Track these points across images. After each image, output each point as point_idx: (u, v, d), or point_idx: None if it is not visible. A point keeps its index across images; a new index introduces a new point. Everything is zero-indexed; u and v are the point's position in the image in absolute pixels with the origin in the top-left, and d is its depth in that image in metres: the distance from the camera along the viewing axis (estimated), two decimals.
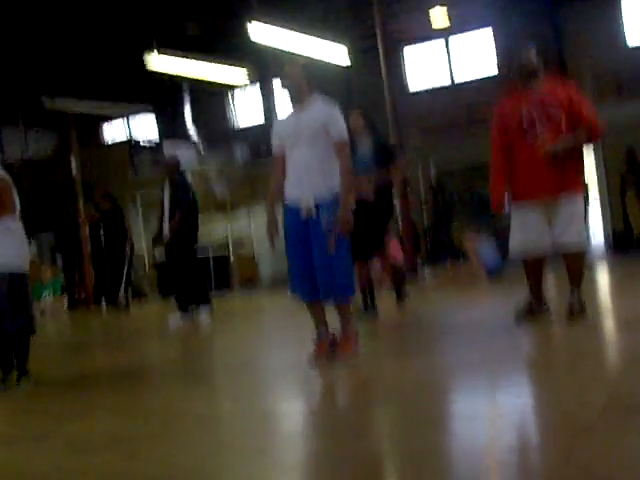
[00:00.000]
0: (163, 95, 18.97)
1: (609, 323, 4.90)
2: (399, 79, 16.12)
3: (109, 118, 19.72)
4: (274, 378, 4.19)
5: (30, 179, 16.15)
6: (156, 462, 2.53)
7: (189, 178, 14.16)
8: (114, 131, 21.93)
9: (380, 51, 10.56)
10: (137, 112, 18.24)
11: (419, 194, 14.34)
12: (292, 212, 4.04)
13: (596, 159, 12.78)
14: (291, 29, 12.01)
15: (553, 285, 6.73)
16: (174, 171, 7.78)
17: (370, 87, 12.91)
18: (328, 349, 4.06)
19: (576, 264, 4.66)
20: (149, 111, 18.41)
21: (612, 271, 8.83)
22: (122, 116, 19.89)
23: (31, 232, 5.45)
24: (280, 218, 4.19)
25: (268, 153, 4.25)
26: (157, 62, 12.37)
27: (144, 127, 21.17)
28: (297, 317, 5.07)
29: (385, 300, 7.17)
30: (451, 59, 17.64)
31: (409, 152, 11.83)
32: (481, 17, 16.30)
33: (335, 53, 13.33)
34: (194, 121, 19.86)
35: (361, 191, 5.74)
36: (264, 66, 16.60)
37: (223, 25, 15.14)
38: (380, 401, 3.23)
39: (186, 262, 7.58)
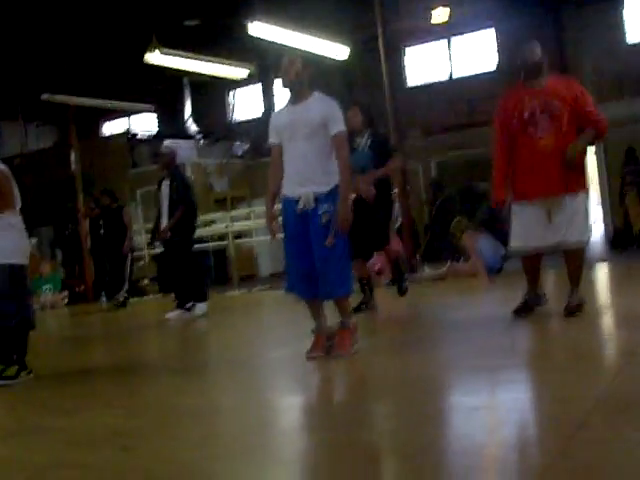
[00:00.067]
0: (164, 91, 18.95)
1: (607, 320, 4.91)
2: (399, 78, 16.11)
3: (109, 113, 19.70)
4: (272, 372, 4.20)
5: (30, 173, 16.16)
6: (154, 456, 2.54)
7: (188, 172, 14.21)
8: (114, 125, 21.91)
9: (381, 51, 10.54)
10: (138, 109, 18.20)
11: (419, 192, 14.33)
12: (290, 206, 4.03)
13: (597, 158, 12.77)
14: (292, 28, 11.98)
15: (553, 282, 6.74)
16: (169, 164, 7.72)
17: (370, 85, 12.90)
18: (326, 343, 4.07)
19: (576, 262, 4.67)
20: (150, 111, 18.37)
21: (611, 269, 8.84)
22: (123, 111, 19.87)
23: (31, 227, 5.45)
24: (279, 212, 4.19)
25: (268, 149, 4.24)
26: (158, 58, 12.35)
27: (144, 122, 21.15)
28: (295, 312, 5.08)
29: (385, 295, 7.18)
30: (452, 59, 17.65)
31: (409, 150, 11.82)
32: (483, 17, 16.29)
33: (336, 50, 13.31)
34: (194, 116, 19.85)
35: (360, 192, 5.74)
36: (265, 63, 16.59)
37: (224, 22, 15.12)
38: (378, 395, 3.24)
39: (184, 258, 7.57)
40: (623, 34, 15.61)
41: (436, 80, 17.49)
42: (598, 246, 12.81)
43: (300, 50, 11.47)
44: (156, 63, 12.63)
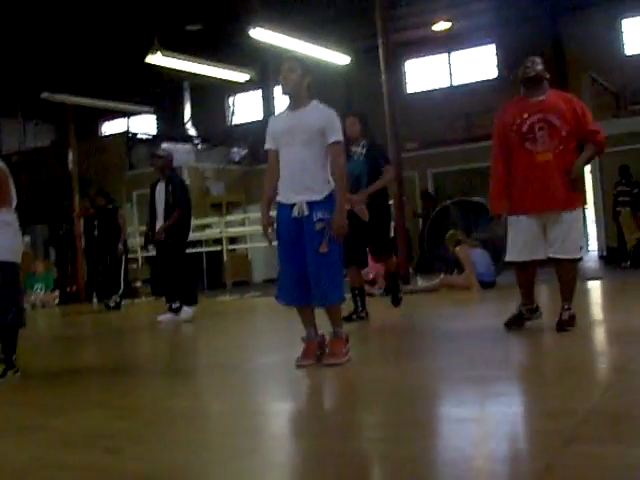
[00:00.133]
0: (164, 94, 18.97)
1: (599, 335, 4.91)
2: (399, 89, 16.17)
3: (108, 113, 19.71)
4: (263, 378, 4.18)
5: (27, 171, 16.13)
6: (139, 459, 2.52)
7: (185, 175, 14.19)
8: (113, 126, 21.90)
9: (381, 62, 10.56)
10: (137, 110, 18.20)
11: (414, 204, 14.35)
12: (285, 212, 4.02)
13: (593, 176, 12.81)
14: (293, 35, 12.00)
15: (547, 296, 6.74)
16: (165, 167, 7.67)
17: (370, 94, 12.92)
18: (317, 351, 4.05)
19: (569, 276, 4.68)
20: (149, 113, 18.38)
21: (605, 285, 8.86)
22: (122, 112, 19.88)
23: (25, 224, 5.43)
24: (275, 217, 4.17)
25: (265, 155, 4.22)
26: (158, 61, 12.35)
27: (143, 124, 21.15)
28: (287, 318, 5.06)
29: (378, 305, 7.17)
30: (452, 72, 17.75)
31: (406, 161, 11.84)
32: (484, 30, 16.39)
33: (336, 58, 13.34)
34: (193, 120, 19.86)
35: (354, 208, 5.71)
36: (265, 69, 16.62)
37: (226, 27, 15.16)
38: (368, 403, 3.23)
39: (176, 260, 7.54)
40: (622, 47, 15.77)
41: (436, 87, 17.58)
42: (592, 263, 12.84)
43: (300, 56, 11.47)
44: (157, 64, 12.63)
